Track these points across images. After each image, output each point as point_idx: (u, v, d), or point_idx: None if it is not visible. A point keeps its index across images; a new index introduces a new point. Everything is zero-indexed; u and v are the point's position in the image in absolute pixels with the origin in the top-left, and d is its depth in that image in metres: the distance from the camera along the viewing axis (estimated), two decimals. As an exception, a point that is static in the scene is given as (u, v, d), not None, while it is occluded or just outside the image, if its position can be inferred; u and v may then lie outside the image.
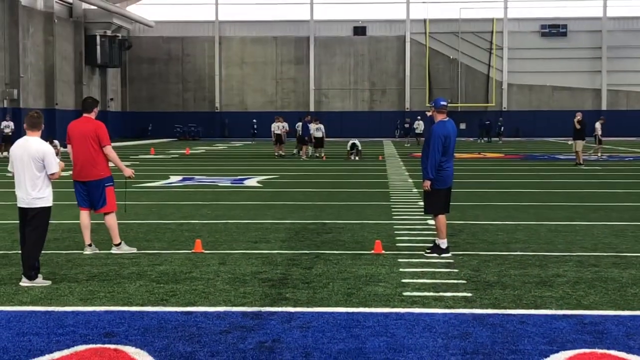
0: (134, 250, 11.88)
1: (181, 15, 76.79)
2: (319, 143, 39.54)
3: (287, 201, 19.22)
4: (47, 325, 7.70)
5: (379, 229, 14.21)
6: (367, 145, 52.72)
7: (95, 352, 6.85)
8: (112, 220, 11.90)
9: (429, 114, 12.03)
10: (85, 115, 11.95)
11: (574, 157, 32.35)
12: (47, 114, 36.35)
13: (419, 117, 56.83)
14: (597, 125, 38.79)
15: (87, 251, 11.78)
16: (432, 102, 11.91)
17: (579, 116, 32.44)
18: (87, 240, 11.88)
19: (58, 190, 13.65)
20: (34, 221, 9.66)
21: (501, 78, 76.07)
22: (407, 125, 60.36)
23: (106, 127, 12.06)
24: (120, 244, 11.91)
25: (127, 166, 12.40)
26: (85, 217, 11.90)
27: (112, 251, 11.80)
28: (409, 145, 55.66)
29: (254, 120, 39.46)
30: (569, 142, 36.39)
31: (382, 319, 7.87)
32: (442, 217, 11.63)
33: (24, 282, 9.51)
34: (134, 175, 12.45)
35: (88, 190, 11.83)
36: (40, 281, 9.54)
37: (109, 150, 11.81)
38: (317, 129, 39.33)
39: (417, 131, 55.62)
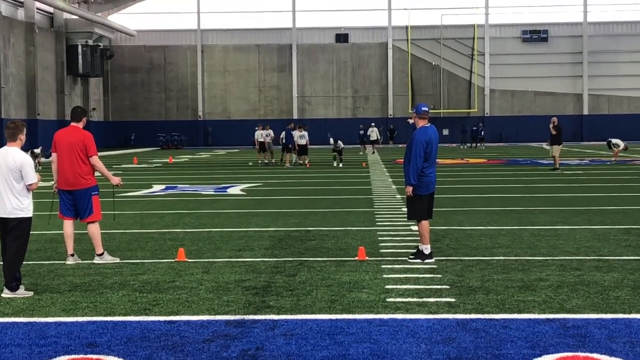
0: (117, 260, 11.83)
1: (163, 24, 76.78)
2: (302, 150, 39.42)
3: (270, 209, 19.20)
4: (29, 336, 7.65)
5: (362, 236, 14.22)
6: (350, 152, 52.81)
7: (78, 362, 6.82)
8: (95, 230, 11.85)
9: (411, 121, 12.06)
10: (73, 124, 11.94)
11: (546, 161, 32.39)
12: (29, 124, 35.96)
13: (372, 124, 55.68)
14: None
15: (70, 261, 11.72)
16: (414, 108, 11.94)
17: (554, 121, 32.44)
18: (70, 250, 11.82)
19: (41, 200, 13.62)
20: (14, 232, 9.61)
21: (483, 84, 76.42)
22: (361, 132, 55.68)
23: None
24: (102, 253, 11.86)
25: (113, 175, 12.40)
26: (68, 227, 11.84)
27: (94, 261, 11.75)
28: (362, 153, 53.21)
29: (256, 128, 39.82)
30: (545, 145, 36.48)
31: (366, 326, 7.87)
32: (425, 223, 11.65)
33: (6, 294, 9.46)
34: (122, 183, 12.45)
35: (74, 200, 11.80)
36: (22, 292, 9.49)
37: (96, 160, 11.78)
38: (300, 137, 39.21)
39: (371, 139, 53.43)
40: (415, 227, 13.15)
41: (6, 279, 9.52)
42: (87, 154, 11.69)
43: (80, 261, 11.77)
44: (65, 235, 11.87)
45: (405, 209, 13.33)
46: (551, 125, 32.19)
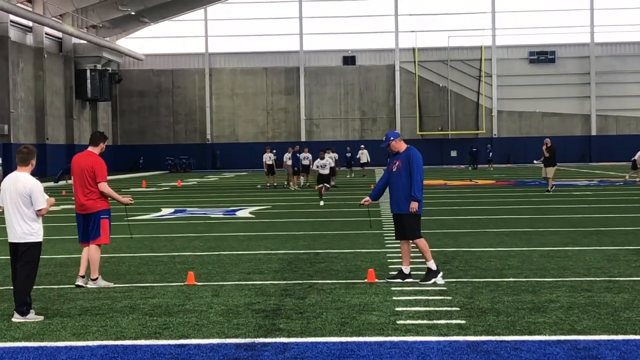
0: (111, 284, 11.80)
1: (171, 48, 77.09)
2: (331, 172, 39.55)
3: (279, 231, 19.20)
4: (40, 360, 7.66)
5: (371, 258, 14.21)
6: (359, 173, 52.83)
7: (89, 387, 6.81)
8: (95, 253, 11.84)
9: (393, 149, 12.06)
10: (89, 149, 12.09)
11: (554, 182, 32.03)
12: (38, 149, 35.47)
13: (362, 146, 54.02)
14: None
15: (79, 282, 11.74)
16: (390, 136, 12.00)
17: (547, 142, 32.31)
18: (82, 272, 11.84)
19: (50, 224, 13.64)
20: (24, 256, 9.62)
21: (491, 105, 76.43)
22: (348, 155, 52.58)
23: (105, 163, 12.10)
24: (97, 278, 11.80)
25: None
26: (85, 252, 11.91)
27: (88, 285, 11.71)
28: (351, 176, 50.95)
29: (274, 151, 39.67)
30: (536, 162, 36.16)
31: (376, 348, 7.85)
32: (423, 240, 11.73)
33: (16, 318, 9.46)
34: (132, 201, 12.54)
35: (86, 223, 11.87)
36: (32, 316, 9.50)
37: (104, 187, 11.85)
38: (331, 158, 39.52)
39: (361, 161, 51.28)
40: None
41: (17, 303, 9.53)
42: (95, 181, 11.77)
43: (89, 286, 11.76)
44: (82, 258, 11.94)
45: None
46: (544, 147, 32.00)
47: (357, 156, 51.38)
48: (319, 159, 31.24)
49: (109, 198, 12.02)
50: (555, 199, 28.55)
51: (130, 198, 12.57)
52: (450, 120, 76.42)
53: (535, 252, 14.71)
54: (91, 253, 11.88)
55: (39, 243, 9.77)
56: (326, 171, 30.94)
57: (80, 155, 12.13)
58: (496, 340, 8.08)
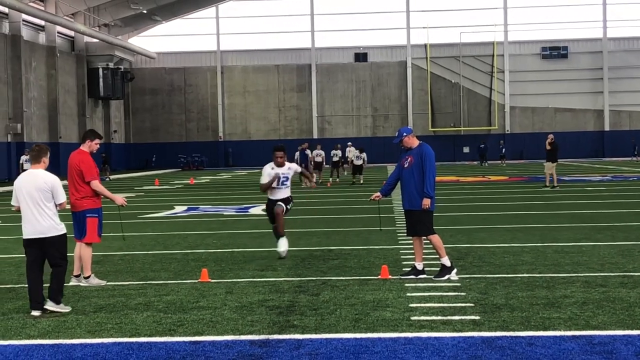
0: (104, 283, 11.79)
1: (183, 46, 77.22)
2: (357, 170, 40.11)
3: (292, 228, 19.18)
4: (55, 358, 7.68)
5: (385, 254, 14.20)
6: (371, 170, 52.76)
7: (104, 383, 6.83)
8: (85, 252, 11.85)
9: (405, 145, 11.98)
10: (80, 147, 12.09)
11: (553, 177, 31.80)
12: (51, 148, 34.87)
13: (349, 143, 51.89)
14: None
15: (73, 282, 11.75)
16: (403, 132, 11.95)
17: (550, 138, 32.20)
18: (76, 271, 11.86)
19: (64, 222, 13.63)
20: (56, 251, 9.71)
21: (503, 101, 76.25)
22: (339, 153, 46.10)
23: (92, 161, 12.01)
24: (89, 276, 11.80)
25: (125, 196, 12.41)
26: (76, 249, 11.91)
27: (80, 283, 11.72)
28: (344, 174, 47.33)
29: (299, 147, 38.66)
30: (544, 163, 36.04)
31: (391, 344, 7.85)
32: (437, 236, 11.70)
33: (51, 306, 9.60)
34: (126, 203, 12.40)
35: (75, 221, 11.88)
36: (63, 307, 9.70)
37: (95, 185, 11.78)
38: (357, 157, 40.02)
39: (348, 159, 45.61)
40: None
41: (54, 292, 9.68)
42: (83, 179, 11.74)
43: (82, 284, 11.74)
44: (74, 256, 11.92)
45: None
46: (547, 142, 31.94)
47: (346, 154, 48.07)
48: (272, 164, 14.76)
49: (103, 196, 11.99)
50: (568, 194, 28.47)
51: (124, 199, 12.34)
52: (462, 116, 76.29)
53: (549, 247, 14.68)
54: (81, 251, 11.87)
55: (65, 234, 9.88)
56: (281, 194, 15.08)
57: (72, 153, 12.15)
58: (511, 336, 8.07)
